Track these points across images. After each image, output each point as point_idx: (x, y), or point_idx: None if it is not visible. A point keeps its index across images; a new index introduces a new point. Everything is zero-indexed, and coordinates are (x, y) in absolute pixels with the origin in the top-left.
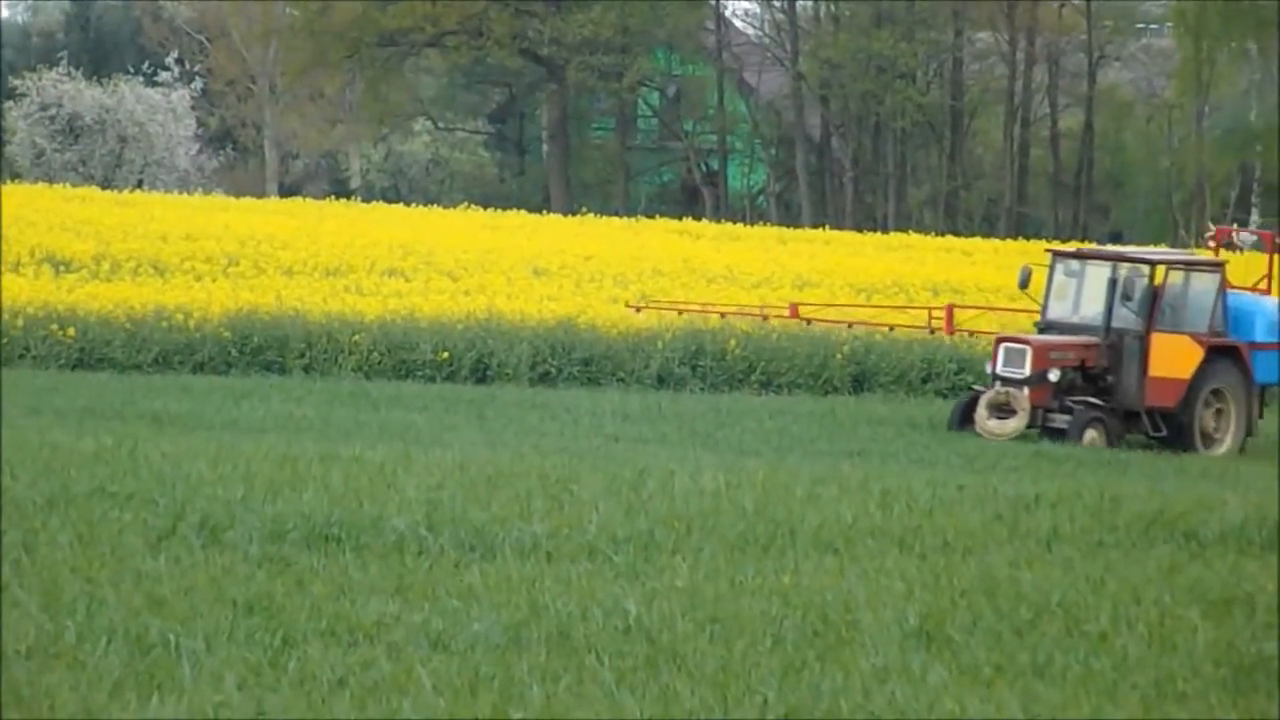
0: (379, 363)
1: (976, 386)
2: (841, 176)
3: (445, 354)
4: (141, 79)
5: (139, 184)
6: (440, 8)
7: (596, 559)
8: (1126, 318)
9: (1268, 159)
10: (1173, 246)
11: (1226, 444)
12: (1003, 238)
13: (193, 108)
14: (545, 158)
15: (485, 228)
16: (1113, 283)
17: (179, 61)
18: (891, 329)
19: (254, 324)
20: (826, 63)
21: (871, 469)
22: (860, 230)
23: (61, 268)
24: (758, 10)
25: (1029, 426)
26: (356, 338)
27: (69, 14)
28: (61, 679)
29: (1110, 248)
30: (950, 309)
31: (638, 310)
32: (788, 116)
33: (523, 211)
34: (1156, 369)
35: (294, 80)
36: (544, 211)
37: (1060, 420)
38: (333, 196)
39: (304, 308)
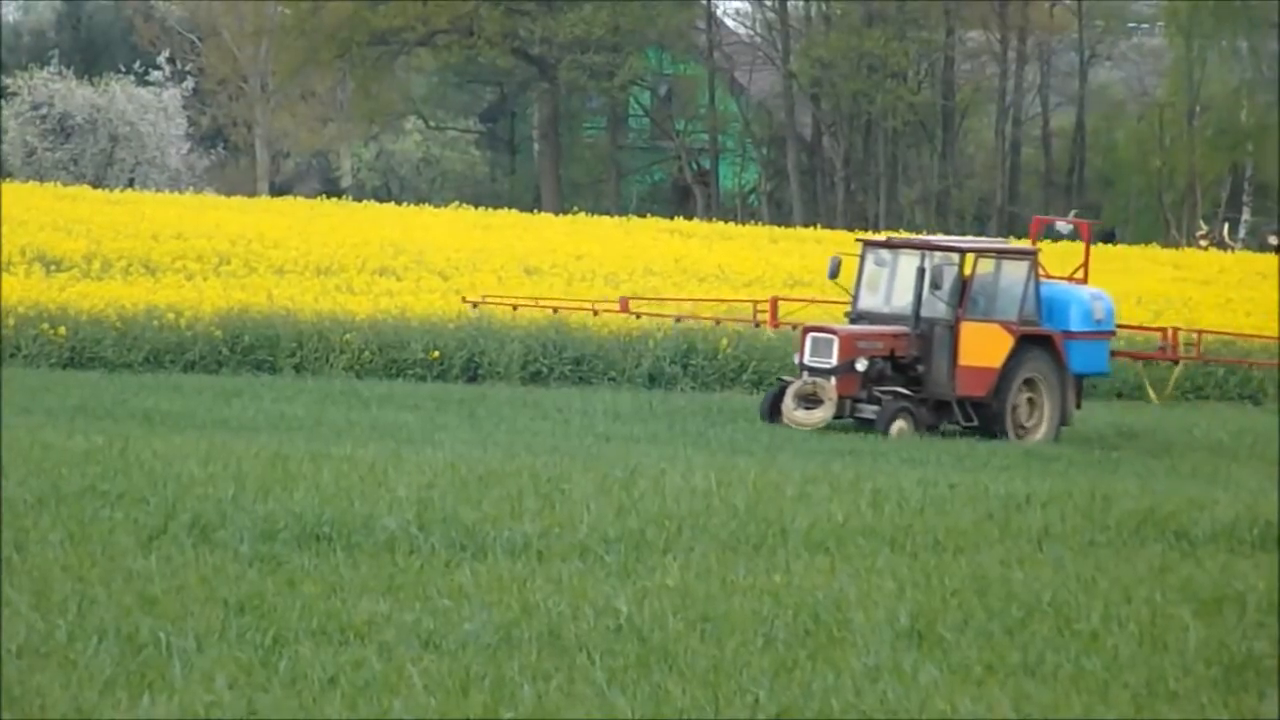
0: (370, 362)
1: (785, 378)
2: (833, 176)
3: (436, 353)
4: (133, 78)
5: (130, 183)
6: (431, 7)
7: (588, 558)
8: (936, 307)
9: (1259, 158)
10: (1164, 246)
11: (1040, 433)
12: (994, 237)
13: (184, 107)
14: (536, 157)
15: (476, 227)
16: (921, 271)
17: (170, 60)
18: (718, 322)
19: (245, 323)
20: (818, 62)
21: (863, 468)
22: (852, 229)
23: (53, 267)
24: (749, 9)
25: (837, 417)
26: (348, 337)
27: (60, 13)
28: (53, 678)
29: (920, 236)
30: (774, 301)
31: (474, 306)
32: (779, 116)
33: (514, 211)
34: (967, 358)
35: (285, 79)
36: (535, 211)
37: (868, 411)
38: (324, 195)
39: (295, 307)
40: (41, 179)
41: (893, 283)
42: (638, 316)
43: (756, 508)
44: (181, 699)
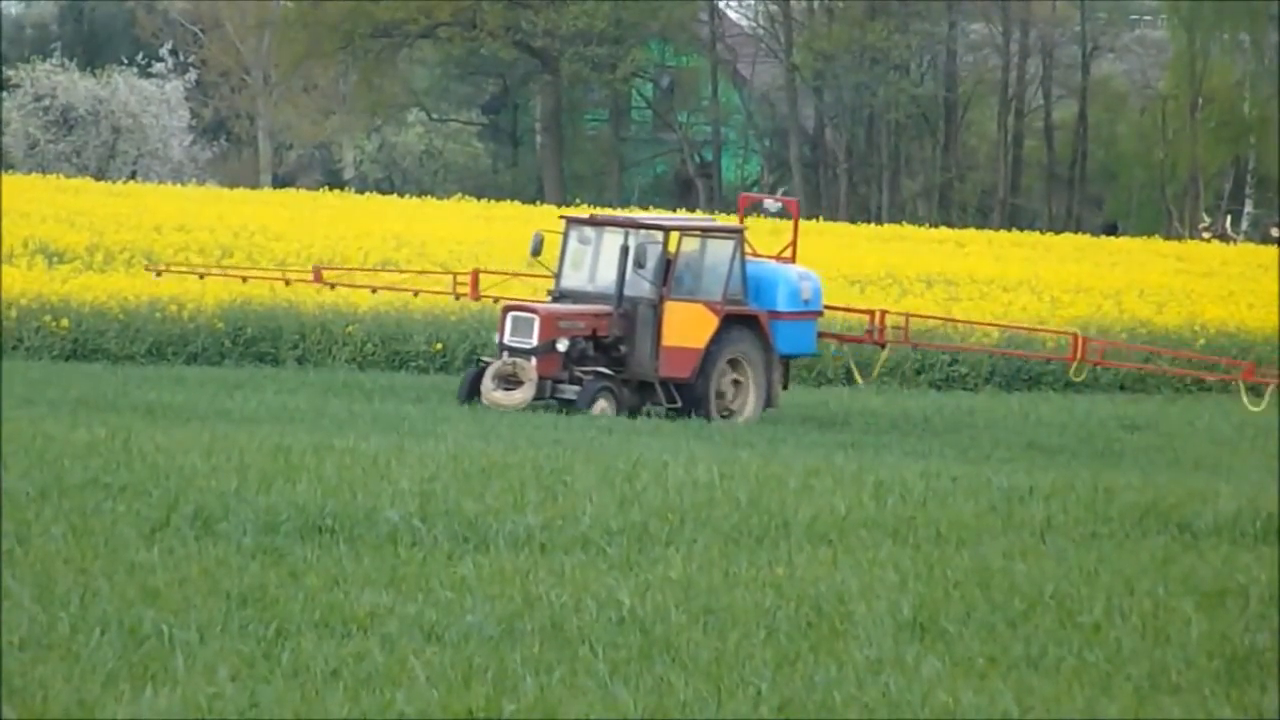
0: (373, 354)
1: (485, 358)
2: (835, 168)
3: (439, 345)
4: (135, 70)
5: (133, 175)
6: (433, 0)
7: (590, 550)
8: (641, 286)
9: (1261, 150)
10: (1166, 238)
11: (745, 414)
12: (996, 229)
13: (186, 99)
14: (539, 149)
15: (479, 219)
16: (625, 250)
17: (173, 53)
18: (416, 294)
19: (247, 315)
20: (820, 54)
21: (865, 460)
22: (854, 222)
23: (55, 259)
24: (751, 1)
25: (538, 398)
26: (350, 329)
27: (63, 5)
28: (55, 670)
29: (624, 214)
30: (475, 274)
31: (158, 275)
32: (781, 108)
33: (516, 203)
34: (670, 338)
35: (288, 71)
36: (538, 203)
37: (570, 391)
38: (326, 188)
39: (297, 299)
40: (44, 171)
41: (597, 261)
42: (332, 287)
43: (759, 500)
44: (184, 691)
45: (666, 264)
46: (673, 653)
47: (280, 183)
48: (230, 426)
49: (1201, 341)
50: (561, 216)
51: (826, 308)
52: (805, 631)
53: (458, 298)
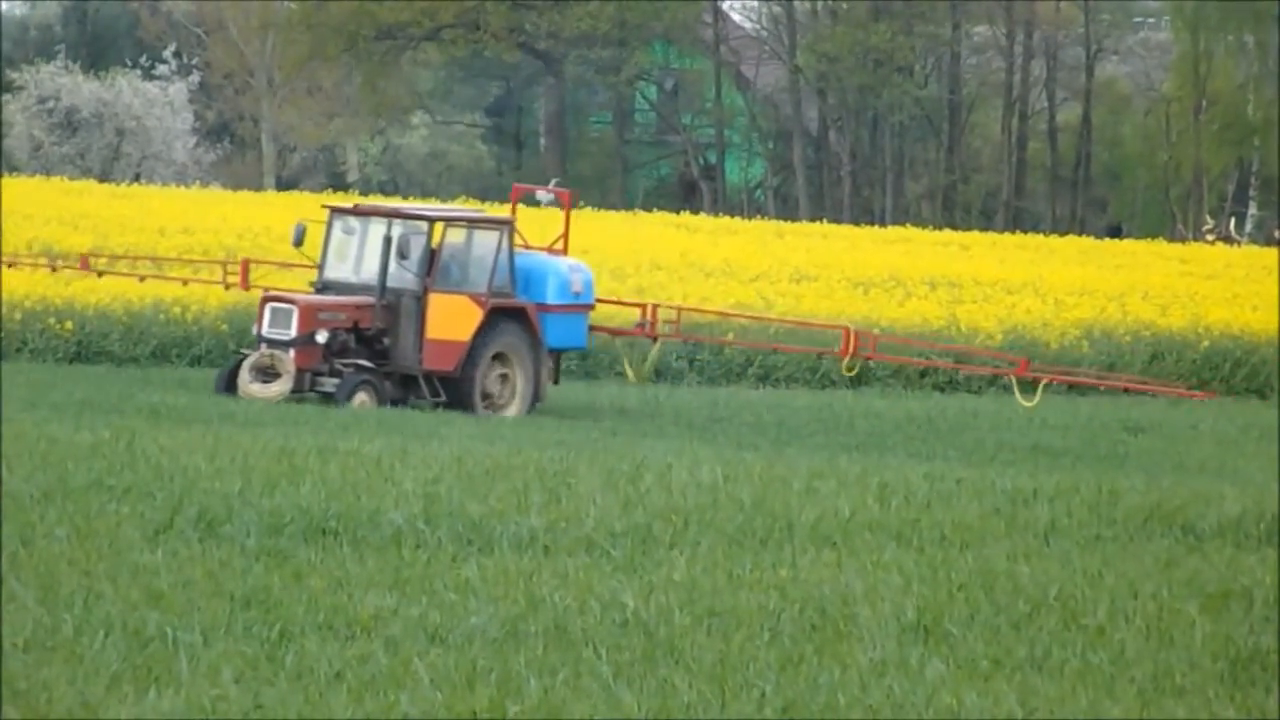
0: None
1: (244, 350)
2: (839, 170)
3: None
4: (139, 72)
5: (136, 177)
6: (437, 2)
7: (594, 552)
8: (404, 277)
9: (1265, 152)
10: (1170, 240)
11: (512, 408)
12: (1000, 231)
13: (190, 101)
14: (543, 151)
15: None
16: (388, 240)
17: (176, 55)
18: (185, 283)
19: (251, 317)
20: (824, 56)
21: (869, 462)
22: (858, 224)
23: (59, 261)
24: (755, 4)
25: (296, 390)
26: None
27: (67, 7)
28: (59, 672)
29: (388, 203)
30: (245, 263)
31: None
32: (785, 110)
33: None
34: (434, 331)
35: (291, 73)
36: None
37: (329, 384)
38: (330, 190)
39: None
40: (48, 173)
41: (361, 252)
42: (100, 275)
43: (763, 502)
44: (188, 693)
45: (431, 255)
46: (676, 655)
47: (284, 185)
48: (234, 429)
49: (1205, 344)
50: (324, 205)
51: (599, 301)
52: (809, 634)
53: (227, 288)
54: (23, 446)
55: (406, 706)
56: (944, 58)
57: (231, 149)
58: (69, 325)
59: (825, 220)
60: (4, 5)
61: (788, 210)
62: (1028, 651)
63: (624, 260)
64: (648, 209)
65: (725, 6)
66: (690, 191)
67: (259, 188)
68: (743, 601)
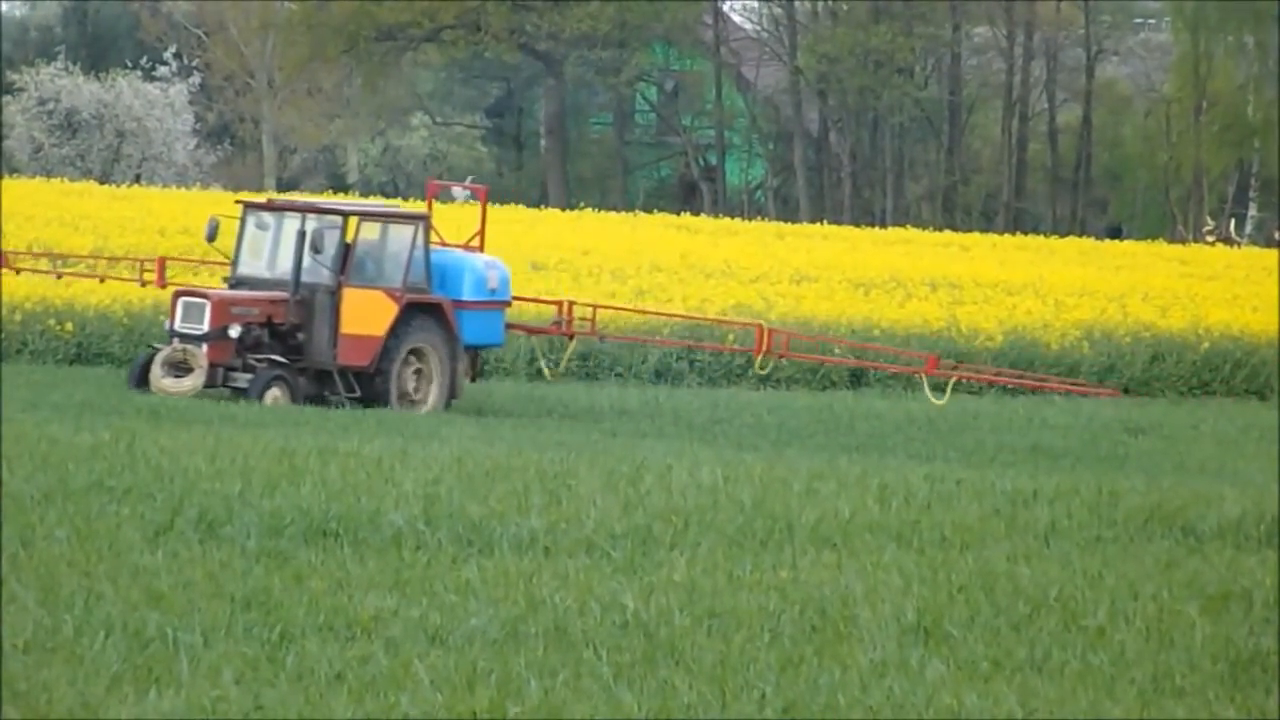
0: None
1: (156, 345)
2: (839, 171)
3: None
4: (139, 73)
5: (137, 179)
6: (438, 3)
7: (594, 554)
8: (319, 272)
9: (1265, 153)
10: (1170, 241)
11: (428, 404)
12: (1001, 232)
13: (190, 102)
14: (543, 152)
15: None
16: (302, 235)
17: (177, 56)
18: (103, 280)
19: None
20: (824, 57)
21: (870, 464)
22: (858, 225)
23: (59, 262)
24: (756, 5)
25: (209, 385)
26: None
27: (67, 8)
28: (59, 673)
29: (303, 198)
30: (162, 261)
31: None
32: (786, 111)
33: (520, 206)
34: (349, 326)
35: (292, 75)
36: (541, 206)
37: (242, 379)
38: (330, 191)
39: None
40: (48, 175)
41: (276, 247)
42: (18, 273)
43: (763, 503)
44: (188, 694)
45: (346, 250)
46: (676, 656)
47: (285, 187)
48: (234, 430)
49: (1205, 345)
50: (238, 201)
51: (515, 298)
52: (809, 635)
53: (143, 284)
54: (23, 447)
55: (407, 708)
56: (944, 59)
57: (232, 150)
58: (69, 327)
59: (825, 221)
60: (4, 6)
61: (788, 211)
62: (1028, 653)
63: (624, 261)
64: (648, 210)
65: (726, 8)
66: (690, 193)
67: (260, 189)
68: (743, 602)
